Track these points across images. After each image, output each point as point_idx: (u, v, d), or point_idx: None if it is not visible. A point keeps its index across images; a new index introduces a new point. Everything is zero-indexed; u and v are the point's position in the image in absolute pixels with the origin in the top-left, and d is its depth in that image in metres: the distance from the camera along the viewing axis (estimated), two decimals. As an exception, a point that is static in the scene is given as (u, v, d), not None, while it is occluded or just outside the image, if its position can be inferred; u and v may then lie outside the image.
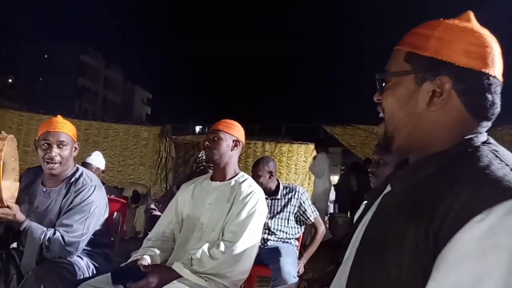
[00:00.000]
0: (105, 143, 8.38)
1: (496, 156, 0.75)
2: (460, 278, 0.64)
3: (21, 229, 1.89)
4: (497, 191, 0.67)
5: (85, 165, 3.91)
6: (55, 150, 2.04)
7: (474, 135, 0.81)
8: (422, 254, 0.69)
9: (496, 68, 0.80)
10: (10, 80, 36.59)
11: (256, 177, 3.04)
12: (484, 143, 0.80)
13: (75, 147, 2.16)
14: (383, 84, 0.88)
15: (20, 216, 1.90)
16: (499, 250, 0.63)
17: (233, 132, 2.08)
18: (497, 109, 0.81)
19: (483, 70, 0.78)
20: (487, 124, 0.83)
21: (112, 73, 44.48)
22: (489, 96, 0.79)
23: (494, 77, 0.79)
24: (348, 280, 0.87)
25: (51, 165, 2.04)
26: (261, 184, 3.06)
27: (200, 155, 3.44)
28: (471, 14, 0.84)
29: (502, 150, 0.78)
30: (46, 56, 38.24)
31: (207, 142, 2.04)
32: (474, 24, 0.82)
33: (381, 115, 0.90)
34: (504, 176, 0.69)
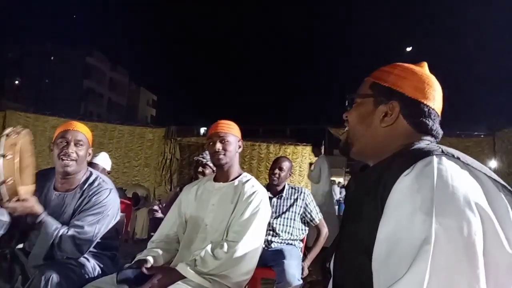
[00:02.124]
0: (110, 145, 8.43)
1: (425, 144, 1.00)
2: (398, 217, 0.82)
3: (37, 221, 1.89)
4: (419, 153, 0.90)
5: (92, 165, 3.92)
6: (72, 148, 2.05)
7: (417, 141, 1.02)
8: (375, 215, 0.88)
9: (436, 103, 1.07)
10: (16, 82, 36.89)
11: (280, 169, 3.20)
12: (423, 142, 1.02)
13: (89, 152, 2.17)
14: (350, 104, 1.14)
15: (38, 208, 1.89)
16: (423, 190, 0.81)
17: (237, 133, 2.10)
18: (440, 131, 1.07)
19: (425, 102, 1.05)
20: (434, 140, 1.06)
21: (118, 75, 44.69)
22: (429, 121, 1.05)
23: (433, 109, 1.06)
24: (334, 263, 1.09)
25: (67, 161, 2.03)
26: (279, 179, 3.17)
27: (198, 159, 3.45)
28: (425, 64, 1.12)
29: (434, 143, 1.02)
30: (52, 58, 38.51)
31: (217, 146, 2.02)
32: (426, 70, 1.11)
33: (346, 128, 1.16)
34: (426, 146, 0.96)
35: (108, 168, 4.24)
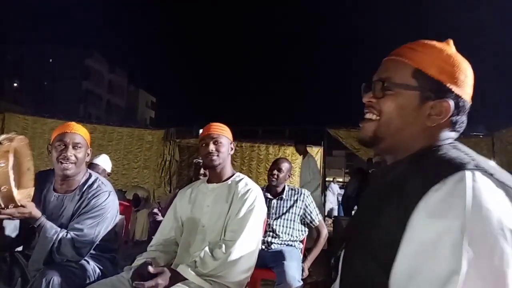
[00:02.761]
0: (109, 147, 8.41)
1: (454, 147, 0.90)
2: (425, 237, 0.75)
3: (36, 225, 1.90)
4: (451, 165, 0.81)
5: (92, 165, 3.95)
6: (71, 151, 2.05)
7: (442, 140, 0.95)
8: (396, 228, 0.80)
9: (470, 96, 0.97)
10: (15, 84, 36.87)
11: (279, 171, 3.19)
12: (449, 144, 0.94)
13: (88, 153, 2.17)
14: (384, 91, 0.97)
15: (36, 213, 1.90)
16: (454, 211, 0.74)
17: (229, 135, 2.14)
18: (464, 127, 0.99)
19: (467, 98, 0.95)
20: (456, 135, 0.98)
21: (116, 77, 44.70)
22: (464, 118, 0.97)
23: (469, 103, 0.97)
24: (341, 271, 1.00)
25: (66, 164, 2.03)
26: (278, 180, 3.17)
27: (199, 161, 3.45)
28: (451, 42, 0.99)
29: (461, 145, 0.92)
30: (50, 60, 38.50)
31: (210, 148, 2.03)
32: (461, 58, 0.96)
33: (370, 116, 1.00)
34: (457, 156, 0.84)
35: (109, 169, 4.26)
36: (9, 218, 1.85)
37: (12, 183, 1.74)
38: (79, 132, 2.12)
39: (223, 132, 2.10)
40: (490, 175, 0.79)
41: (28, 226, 1.96)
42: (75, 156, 2.06)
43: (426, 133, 0.95)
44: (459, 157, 0.84)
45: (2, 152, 1.73)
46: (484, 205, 0.74)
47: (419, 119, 0.94)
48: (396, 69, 0.97)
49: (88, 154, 2.18)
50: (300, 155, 7.13)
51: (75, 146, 2.07)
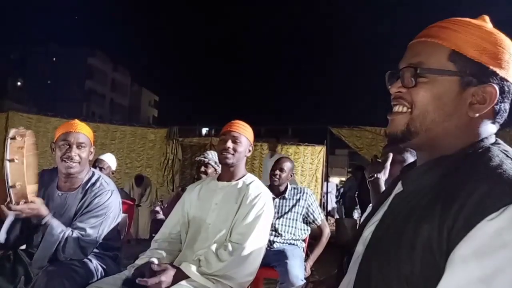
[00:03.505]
0: (112, 145, 8.43)
1: (507, 156, 0.75)
2: (470, 276, 0.64)
3: (42, 223, 1.89)
4: (510, 190, 0.67)
5: (99, 161, 4.01)
6: (75, 150, 2.05)
7: (484, 137, 0.81)
8: (435, 253, 0.69)
9: None
10: (19, 83, 36.99)
11: (281, 171, 3.17)
12: (494, 144, 0.81)
13: (91, 151, 2.16)
14: (416, 79, 0.83)
15: (44, 210, 1.90)
16: (510, 249, 0.63)
17: (250, 137, 2.10)
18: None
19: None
20: (496, 128, 0.84)
21: (120, 75, 44.78)
22: (508, 106, 0.82)
23: None
24: (356, 279, 0.87)
25: (70, 163, 2.04)
26: (280, 180, 3.15)
27: (200, 158, 3.45)
28: (489, 22, 0.85)
29: (508, 147, 0.80)
30: (54, 59, 38.61)
31: (227, 144, 2.01)
32: (502, 35, 0.83)
33: (399, 109, 0.86)
34: None
35: (114, 167, 4.34)
36: (18, 214, 1.85)
37: (26, 179, 1.73)
38: (83, 131, 2.12)
39: (244, 132, 2.07)
40: None
41: (31, 224, 1.96)
42: (79, 156, 2.06)
43: (467, 127, 0.81)
44: None
45: (16, 148, 1.72)
46: None
47: (460, 110, 0.80)
48: (428, 52, 0.83)
49: (92, 153, 2.18)
50: (270, 151, 6.88)
51: (79, 145, 2.07)
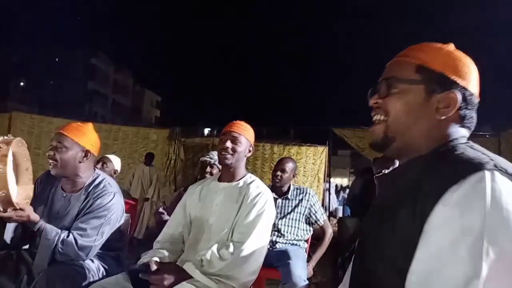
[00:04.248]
0: (115, 146, 8.45)
1: (471, 147, 0.88)
2: (441, 241, 0.73)
3: (35, 229, 1.90)
4: (469, 165, 0.78)
5: (106, 159, 4.10)
6: (54, 151, 2.05)
7: (455, 138, 0.93)
8: (412, 232, 0.78)
9: (478, 91, 0.96)
10: (22, 84, 37.08)
11: (282, 171, 3.16)
12: (464, 143, 0.92)
13: (83, 152, 2.10)
14: (389, 90, 0.97)
15: (34, 217, 1.90)
16: (473, 212, 0.72)
17: (250, 137, 2.10)
18: (474, 124, 0.97)
19: (473, 91, 0.94)
20: (469, 132, 0.97)
21: (122, 76, 44.84)
22: (475, 114, 0.96)
23: (476, 98, 0.96)
24: (352, 269, 0.99)
25: (51, 163, 2.05)
26: (281, 181, 3.13)
27: (205, 159, 3.44)
28: (453, 45, 1.00)
29: (477, 145, 0.90)
30: (57, 60, 38.68)
31: (226, 144, 2.01)
32: (464, 55, 0.97)
33: (377, 117, 0.99)
34: (475, 156, 0.82)
35: (118, 168, 4.41)
36: (7, 221, 1.86)
37: (10, 187, 1.73)
38: (67, 133, 2.07)
39: (243, 132, 2.07)
40: (510, 175, 0.77)
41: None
42: (55, 158, 2.04)
43: (437, 130, 0.93)
44: (478, 157, 0.81)
45: (0, 156, 1.72)
46: (504, 206, 0.72)
47: (428, 114, 0.93)
48: (399, 68, 0.98)
49: (85, 154, 2.10)
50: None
51: (57, 147, 2.05)
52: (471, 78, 0.94)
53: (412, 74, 0.95)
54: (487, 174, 0.75)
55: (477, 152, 0.84)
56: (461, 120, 0.94)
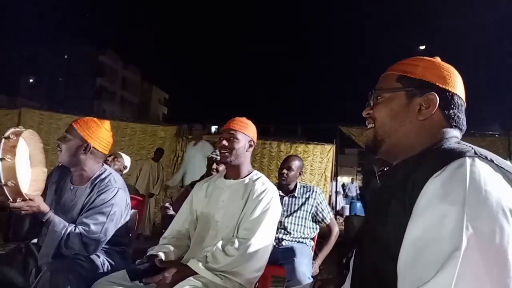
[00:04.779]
0: (123, 142, 8.49)
1: (457, 143, 0.96)
2: (428, 221, 0.79)
3: (44, 220, 1.92)
4: (451, 153, 0.87)
5: (116, 154, 4.19)
6: (61, 141, 2.11)
7: (445, 138, 1.00)
8: (403, 218, 0.85)
9: (462, 93, 1.06)
10: (31, 80, 37.38)
11: (288, 169, 3.14)
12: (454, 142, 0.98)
13: (84, 145, 2.10)
14: (376, 100, 1.09)
15: (44, 207, 1.92)
16: (454, 194, 0.78)
17: (249, 132, 2.08)
18: (465, 121, 1.05)
19: (456, 92, 1.04)
20: (460, 133, 1.04)
21: (130, 73, 45.05)
22: (460, 113, 1.04)
23: (461, 98, 1.05)
24: (354, 262, 1.07)
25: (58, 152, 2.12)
26: (287, 179, 3.13)
27: (212, 156, 3.46)
28: (438, 58, 1.10)
29: (465, 142, 0.96)
30: (65, 56, 38.93)
31: (223, 143, 2.02)
32: (445, 63, 1.08)
33: (369, 125, 1.12)
34: (458, 147, 0.91)
35: (128, 164, 4.47)
36: (18, 212, 1.88)
37: (19, 178, 1.76)
38: (74, 123, 2.13)
39: (241, 128, 2.05)
40: (489, 161, 0.84)
41: (39, 220, 2.00)
42: (61, 147, 2.10)
43: (425, 130, 1.02)
44: (460, 147, 0.90)
45: (9, 147, 1.75)
46: (483, 187, 0.78)
47: (411, 116, 1.03)
48: (384, 80, 1.11)
49: (85, 148, 2.10)
50: (197, 139, 6.27)
51: (63, 138, 2.11)
52: (452, 81, 1.04)
53: (394, 83, 1.07)
54: (468, 160, 0.83)
55: (461, 145, 0.93)
56: (448, 121, 1.02)
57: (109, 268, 2.08)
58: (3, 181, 1.72)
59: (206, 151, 5.65)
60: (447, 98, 1.02)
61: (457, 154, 0.85)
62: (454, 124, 1.03)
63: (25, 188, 1.86)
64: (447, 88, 1.02)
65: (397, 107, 1.05)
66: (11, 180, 1.74)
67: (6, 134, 1.80)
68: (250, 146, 2.09)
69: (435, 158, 0.89)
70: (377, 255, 0.92)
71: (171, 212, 3.14)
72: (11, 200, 1.79)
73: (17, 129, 1.88)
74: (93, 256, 2.03)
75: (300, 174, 3.23)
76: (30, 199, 1.85)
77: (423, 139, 1.01)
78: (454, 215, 0.76)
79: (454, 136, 1.01)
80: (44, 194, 2.09)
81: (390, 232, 0.88)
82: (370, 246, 0.97)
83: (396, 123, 1.05)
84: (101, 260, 2.07)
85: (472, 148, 0.88)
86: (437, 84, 1.02)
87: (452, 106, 1.03)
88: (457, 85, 1.05)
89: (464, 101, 1.06)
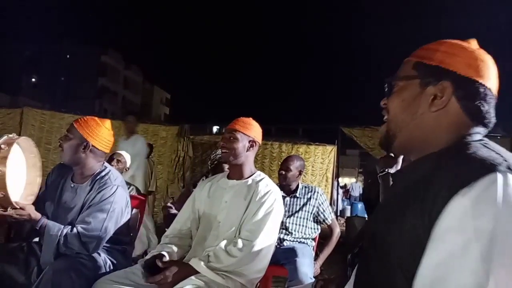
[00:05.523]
0: (124, 142, 8.49)
1: (485, 146, 0.83)
2: (450, 248, 0.70)
3: (37, 227, 1.93)
4: (481, 167, 0.74)
5: (117, 154, 4.23)
6: (61, 139, 2.14)
7: (468, 135, 0.89)
8: (420, 234, 0.75)
9: (492, 83, 0.90)
10: (33, 80, 37.47)
11: (286, 170, 3.12)
12: (478, 141, 0.87)
13: (83, 143, 2.10)
14: (391, 89, 0.99)
15: (35, 215, 1.94)
16: (483, 218, 0.68)
17: (250, 132, 2.06)
18: (493, 118, 0.91)
19: (480, 80, 0.88)
20: (484, 130, 0.92)
21: (132, 73, 45.08)
22: (484, 105, 0.89)
23: (489, 89, 0.90)
24: (357, 268, 0.98)
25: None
26: (286, 180, 3.11)
27: (214, 153, 3.46)
28: (474, 40, 0.95)
29: (492, 144, 0.85)
30: (68, 56, 38.97)
31: (223, 142, 2.03)
32: (475, 46, 0.94)
33: (385, 118, 1.01)
34: (488, 156, 0.77)
35: (128, 163, 4.47)
36: (9, 220, 1.93)
37: (9, 189, 1.80)
38: (74, 123, 2.15)
39: (241, 128, 2.05)
40: None
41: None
42: (62, 146, 2.12)
43: (439, 124, 0.90)
44: (490, 157, 0.76)
45: (0, 158, 1.77)
46: None
47: (423, 107, 0.92)
48: (401, 68, 1.00)
49: (85, 146, 2.10)
50: (129, 133, 5.76)
51: (65, 137, 2.13)
52: (478, 69, 0.89)
53: (410, 70, 0.96)
54: (499, 176, 0.71)
55: (490, 151, 0.80)
56: (468, 114, 0.89)
57: (111, 267, 2.08)
58: None
59: (140, 148, 5.43)
60: (468, 87, 0.88)
61: (488, 167, 0.73)
62: (476, 118, 0.89)
63: (16, 196, 1.90)
64: (469, 76, 0.88)
65: (408, 97, 0.94)
66: (1, 192, 1.78)
67: None
68: (252, 146, 2.07)
69: (462, 167, 0.76)
70: (386, 267, 0.83)
71: (173, 211, 3.15)
72: (1, 209, 1.83)
73: (10, 136, 1.90)
74: (95, 255, 2.03)
75: (300, 174, 3.21)
76: (21, 208, 1.89)
77: (439, 134, 0.90)
78: (482, 244, 0.67)
79: (476, 133, 0.89)
80: (43, 193, 2.13)
81: (404, 245, 0.78)
82: (378, 255, 0.87)
83: (407, 115, 0.94)
84: (103, 258, 2.07)
85: (504, 159, 0.75)
86: (457, 71, 0.89)
87: (474, 97, 0.88)
88: (486, 74, 0.89)
89: (495, 93, 0.91)
